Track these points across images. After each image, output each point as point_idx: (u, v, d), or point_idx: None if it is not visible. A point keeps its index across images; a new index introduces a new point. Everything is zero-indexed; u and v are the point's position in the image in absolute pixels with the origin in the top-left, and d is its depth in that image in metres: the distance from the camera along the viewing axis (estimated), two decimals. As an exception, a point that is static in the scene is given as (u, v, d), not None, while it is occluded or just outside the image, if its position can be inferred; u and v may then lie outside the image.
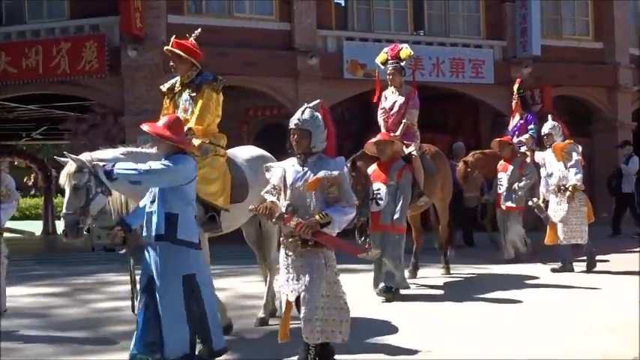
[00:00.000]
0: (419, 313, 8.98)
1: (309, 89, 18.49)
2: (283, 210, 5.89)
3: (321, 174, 5.82)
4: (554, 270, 12.13)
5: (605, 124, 22.89)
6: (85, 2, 17.72)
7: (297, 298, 5.88)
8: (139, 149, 7.55)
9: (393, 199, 9.82)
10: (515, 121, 15.21)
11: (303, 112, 6.06)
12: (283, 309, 6.16)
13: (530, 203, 13.02)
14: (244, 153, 8.50)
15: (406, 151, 10.63)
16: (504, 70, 20.55)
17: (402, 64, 11.08)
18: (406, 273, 11.64)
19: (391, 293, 9.79)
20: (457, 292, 10.51)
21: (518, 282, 11.26)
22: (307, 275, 5.83)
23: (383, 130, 10.97)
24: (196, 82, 8.09)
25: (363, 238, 10.12)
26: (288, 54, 18.67)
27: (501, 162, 14.09)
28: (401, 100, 11.02)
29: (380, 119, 11.27)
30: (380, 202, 9.88)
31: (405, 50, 11.07)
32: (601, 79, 22.54)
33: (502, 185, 13.89)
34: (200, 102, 7.93)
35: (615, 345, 7.07)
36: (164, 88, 8.46)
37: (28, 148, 31.13)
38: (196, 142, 7.71)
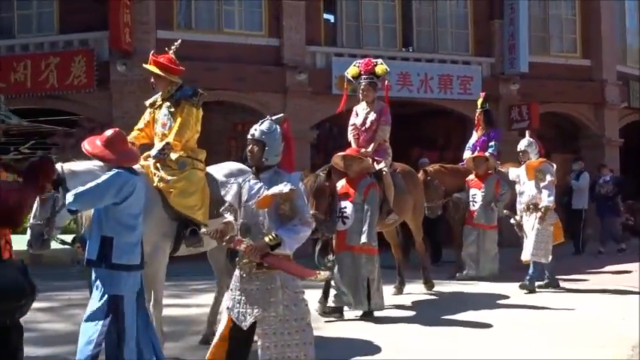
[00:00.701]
0: (399, 332, 8.92)
1: (297, 104, 18.54)
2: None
3: (272, 190, 5.55)
4: (521, 287, 12.00)
5: (592, 141, 22.97)
6: (74, 17, 17.71)
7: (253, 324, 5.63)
8: None
9: (359, 219, 9.59)
10: (476, 136, 15.01)
11: (261, 123, 5.89)
12: (222, 327, 5.85)
13: (512, 221, 12.91)
14: (224, 169, 8.47)
15: (376, 167, 10.50)
16: (492, 87, 20.61)
17: (377, 80, 10.91)
18: (392, 290, 11.67)
19: (336, 313, 9.68)
20: (434, 310, 10.43)
21: (491, 300, 11.25)
22: (262, 300, 5.59)
23: (354, 146, 10.75)
24: (175, 97, 8.07)
25: (325, 259, 9.91)
26: (277, 69, 18.71)
27: (473, 178, 13.99)
28: (373, 116, 10.82)
29: (350, 136, 11.06)
30: (346, 220, 9.65)
31: (381, 66, 10.92)
32: (588, 95, 22.64)
33: (475, 202, 13.78)
34: (179, 118, 7.92)
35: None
36: (147, 102, 8.47)
37: (16, 162, 31.00)
38: (173, 155, 7.74)
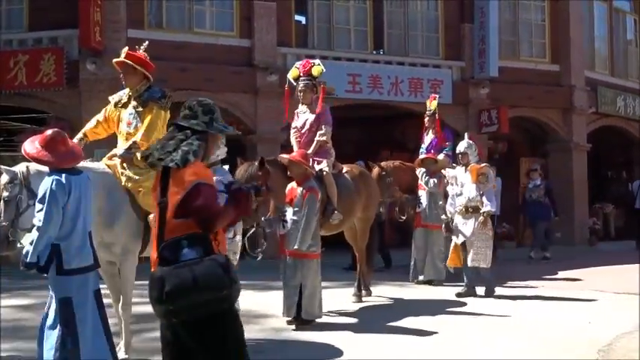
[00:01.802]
0: (337, 340, 8.70)
1: (268, 106, 18.52)
2: None
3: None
4: (459, 294, 11.91)
5: (560, 145, 23.19)
6: (44, 15, 17.54)
7: None
8: (82, 164, 7.56)
9: (297, 224, 9.42)
10: (429, 138, 14.84)
11: None
12: None
13: (442, 217, 12.74)
14: None
15: (317, 167, 10.45)
16: (462, 91, 20.79)
17: (314, 81, 10.81)
18: (351, 297, 11.61)
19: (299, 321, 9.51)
20: (383, 317, 10.26)
21: (446, 305, 11.20)
22: None
23: (296, 149, 10.57)
24: (143, 98, 8.01)
25: (256, 249, 9.77)
26: (248, 70, 18.69)
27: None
28: (312, 117, 10.75)
29: (292, 139, 11.00)
30: (285, 224, 9.53)
31: (317, 67, 10.84)
32: (557, 100, 22.86)
33: (421, 203, 13.80)
34: (147, 118, 7.86)
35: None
36: (112, 100, 8.41)
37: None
38: (140, 154, 7.71)
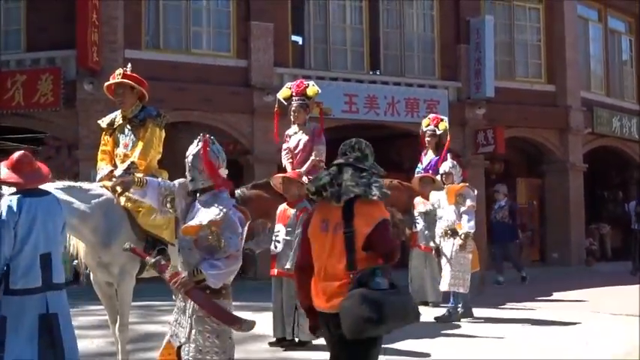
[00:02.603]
0: None
1: (264, 126, 18.46)
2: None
3: (194, 221, 5.27)
4: (438, 319, 11.68)
5: (556, 166, 23.23)
6: (41, 35, 17.60)
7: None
8: (77, 184, 7.62)
9: (289, 244, 9.31)
10: (428, 158, 14.62)
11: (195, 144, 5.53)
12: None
13: (431, 244, 12.67)
14: None
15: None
16: (459, 111, 20.82)
17: (308, 101, 10.71)
18: None
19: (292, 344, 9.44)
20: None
21: (442, 328, 11.04)
22: (189, 326, 5.25)
23: (289, 170, 10.51)
24: (139, 118, 8.05)
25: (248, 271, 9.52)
26: (244, 91, 18.72)
27: (419, 200, 13.67)
28: (305, 137, 10.64)
29: (284, 160, 10.87)
30: (277, 244, 9.43)
31: (312, 88, 10.73)
32: (553, 121, 22.91)
33: (418, 224, 13.62)
34: (144, 137, 7.90)
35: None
36: (103, 123, 8.41)
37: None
38: (138, 175, 7.71)
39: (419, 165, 14.97)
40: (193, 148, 5.46)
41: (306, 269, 5.12)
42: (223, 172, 5.50)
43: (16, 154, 6.23)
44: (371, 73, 20.85)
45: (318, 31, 20.22)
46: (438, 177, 14.04)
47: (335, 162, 5.18)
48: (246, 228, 5.38)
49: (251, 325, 5.26)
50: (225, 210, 5.25)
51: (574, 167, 23.17)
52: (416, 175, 14.07)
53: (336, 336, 4.90)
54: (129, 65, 8.29)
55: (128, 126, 8.05)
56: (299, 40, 20.88)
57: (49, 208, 6.15)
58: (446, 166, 12.11)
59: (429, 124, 14.96)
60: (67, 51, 17.29)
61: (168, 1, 18.63)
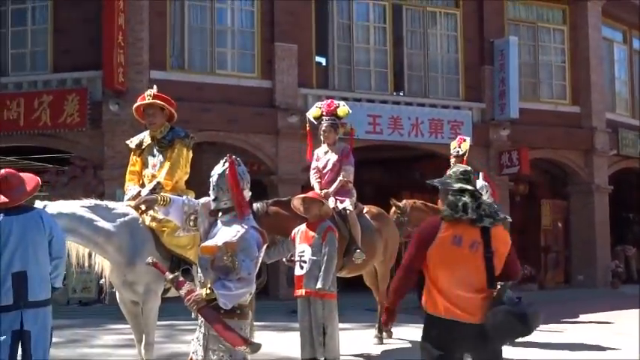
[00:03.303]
0: None
1: (289, 146, 18.61)
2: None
3: (211, 242, 5.30)
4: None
5: (581, 187, 23.09)
6: (68, 56, 17.79)
7: None
8: (103, 203, 7.68)
9: (317, 263, 9.18)
10: None
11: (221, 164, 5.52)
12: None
13: None
14: None
15: (340, 206, 10.35)
16: (483, 132, 20.77)
17: (339, 121, 10.72)
18: (372, 339, 11.52)
19: None
20: None
21: None
22: (204, 344, 5.27)
23: (317, 190, 10.45)
24: (168, 138, 8.09)
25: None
26: (269, 111, 18.79)
27: None
28: (334, 157, 10.64)
29: (313, 179, 10.86)
30: (304, 264, 9.24)
31: (343, 108, 10.75)
32: (578, 142, 22.80)
33: None
34: (171, 157, 7.94)
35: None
36: (132, 144, 8.45)
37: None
38: (163, 194, 7.74)
39: None
40: (219, 168, 5.44)
41: (414, 271, 5.51)
42: (247, 194, 5.49)
43: (1, 173, 6.28)
44: (395, 94, 20.86)
45: (342, 52, 20.28)
46: None
47: (461, 187, 5.58)
48: (263, 250, 5.37)
49: (257, 347, 5.21)
50: (241, 232, 5.25)
51: (599, 189, 23.01)
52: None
53: (464, 341, 5.37)
54: (154, 87, 8.33)
55: (157, 147, 8.10)
56: (323, 61, 20.95)
57: (27, 226, 6.17)
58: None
59: (456, 147, 14.97)
60: (92, 72, 17.45)
61: (193, 23, 18.78)
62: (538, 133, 21.95)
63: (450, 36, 21.65)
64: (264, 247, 5.43)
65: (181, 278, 5.38)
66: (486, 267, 5.32)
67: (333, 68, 20.24)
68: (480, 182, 11.87)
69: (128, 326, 8.13)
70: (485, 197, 11.21)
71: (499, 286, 5.31)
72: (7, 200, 6.13)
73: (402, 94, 21.01)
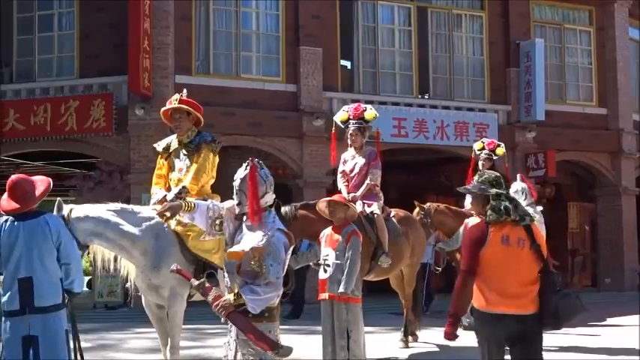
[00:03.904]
0: None
1: (314, 150, 18.63)
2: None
3: (238, 247, 5.32)
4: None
5: (608, 190, 22.90)
6: (94, 62, 17.91)
7: None
8: (129, 207, 7.74)
9: (340, 267, 9.08)
10: None
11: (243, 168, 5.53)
12: None
13: None
14: None
15: (367, 210, 10.29)
16: (509, 135, 20.62)
17: (366, 125, 10.60)
18: (398, 342, 11.49)
19: None
20: None
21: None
22: (234, 348, 5.34)
23: (343, 193, 10.40)
24: (195, 143, 8.11)
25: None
26: (293, 115, 18.81)
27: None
28: (362, 161, 10.54)
29: (340, 183, 10.79)
30: (327, 268, 9.17)
31: (370, 112, 10.62)
32: (604, 144, 22.63)
33: None
34: (197, 162, 7.95)
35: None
36: (159, 147, 8.47)
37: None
38: (188, 199, 7.76)
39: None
40: (241, 172, 5.45)
41: (474, 275, 5.87)
42: (270, 197, 5.50)
43: (12, 179, 6.36)
44: (420, 97, 20.81)
45: (367, 56, 20.25)
46: None
47: (497, 192, 6.03)
48: (290, 252, 5.37)
49: (288, 351, 5.22)
50: (268, 236, 5.25)
51: (627, 191, 22.82)
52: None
53: (516, 333, 5.82)
54: (184, 91, 8.38)
55: (184, 150, 8.12)
56: (348, 64, 20.95)
57: (33, 231, 6.20)
58: (511, 190, 11.27)
59: (482, 148, 14.85)
60: (118, 77, 17.53)
61: (218, 27, 18.83)
62: (564, 135, 21.81)
63: (475, 38, 21.58)
64: (292, 248, 5.44)
65: (207, 284, 5.39)
66: (537, 258, 5.84)
67: (358, 71, 20.22)
68: (519, 184, 11.62)
69: (154, 330, 8.15)
70: (524, 199, 11.26)
71: (550, 275, 5.90)
72: (19, 206, 6.20)
73: (427, 96, 20.97)
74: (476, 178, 6.25)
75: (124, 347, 11.87)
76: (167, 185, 8.22)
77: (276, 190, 5.61)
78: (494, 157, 14.70)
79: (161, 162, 8.37)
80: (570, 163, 22.72)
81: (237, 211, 5.52)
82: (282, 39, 19.26)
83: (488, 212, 5.93)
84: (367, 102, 18.18)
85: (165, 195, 7.95)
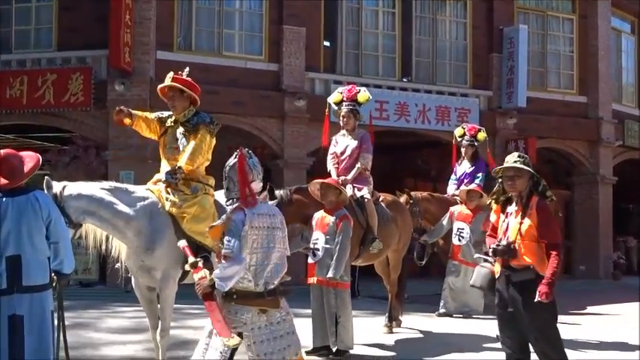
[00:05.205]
0: None
1: (295, 131, 18.46)
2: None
3: (220, 221, 5.58)
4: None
5: (586, 178, 23.00)
6: (72, 34, 17.54)
7: None
8: (123, 186, 7.59)
9: (330, 251, 9.18)
10: (463, 168, 14.60)
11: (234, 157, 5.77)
12: None
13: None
14: None
15: (357, 194, 10.23)
16: (490, 120, 20.55)
17: (359, 107, 10.60)
18: (381, 327, 11.42)
19: (323, 351, 9.36)
20: (417, 350, 10.10)
21: (481, 340, 10.74)
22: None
23: (333, 175, 10.39)
24: (192, 122, 7.96)
25: None
26: (275, 95, 18.60)
27: (461, 210, 13.61)
28: (354, 144, 10.47)
29: (330, 165, 10.70)
30: (317, 252, 9.27)
31: (364, 94, 10.60)
32: (584, 132, 22.69)
33: (463, 237, 13.38)
34: (193, 142, 7.78)
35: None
36: (155, 115, 8.27)
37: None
38: (185, 180, 7.60)
39: (452, 175, 14.83)
40: (231, 161, 5.67)
41: None
42: (257, 185, 5.72)
43: (0, 153, 6.19)
44: (402, 80, 20.64)
45: (351, 37, 20.08)
46: (473, 186, 13.88)
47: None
48: (246, 227, 5.44)
49: (235, 342, 5.34)
50: (227, 214, 5.53)
51: (604, 180, 22.92)
52: (462, 188, 13.92)
53: None
54: (187, 69, 8.21)
55: (181, 129, 7.96)
56: (331, 44, 20.72)
57: (23, 208, 6.02)
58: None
59: (463, 134, 14.78)
60: (98, 51, 17.21)
61: (200, 4, 18.56)
62: (544, 122, 21.83)
63: (459, 23, 21.46)
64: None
65: (200, 265, 5.55)
66: None
67: (340, 52, 20.03)
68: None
69: (133, 309, 8.00)
70: None
71: None
72: (7, 182, 6.02)
73: (409, 80, 20.77)
74: (516, 157, 6.48)
75: (102, 327, 11.62)
76: (149, 127, 8.10)
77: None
78: (476, 144, 14.67)
79: (155, 120, 8.11)
80: (549, 150, 22.75)
81: (225, 197, 5.78)
82: (265, 17, 19.01)
83: (549, 193, 6.42)
84: (349, 84, 18.04)
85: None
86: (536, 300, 6.09)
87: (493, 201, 6.77)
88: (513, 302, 6.31)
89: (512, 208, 6.50)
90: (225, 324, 5.33)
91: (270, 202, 5.86)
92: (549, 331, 6.30)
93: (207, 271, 5.47)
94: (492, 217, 6.96)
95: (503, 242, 6.37)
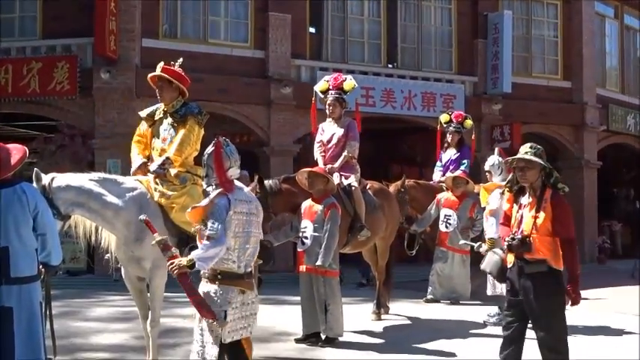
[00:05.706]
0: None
1: (281, 118, 18.47)
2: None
3: (202, 203, 5.73)
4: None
5: (571, 163, 23.05)
6: (58, 23, 17.45)
7: None
8: (111, 177, 7.61)
9: (318, 239, 9.30)
10: (448, 154, 14.66)
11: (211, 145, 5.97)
12: None
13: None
14: None
15: (345, 182, 10.30)
16: (475, 106, 20.62)
17: (345, 95, 10.66)
18: (369, 314, 11.50)
19: (312, 338, 9.49)
20: (405, 337, 10.20)
21: (470, 326, 10.96)
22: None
23: (321, 164, 10.47)
24: (180, 113, 7.98)
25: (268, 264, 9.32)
26: (261, 82, 18.58)
27: (448, 197, 13.60)
28: (340, 132, 10.55)
29: (317, 153, 10.78)
30: (305, 240, 9.39)
31: (350, 82, 10.67)
32: (568, 117, 22.79)
33: (450, 224, 13.39)
34: (181, 132, 7.82)
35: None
36: (143, 113, 8.32)
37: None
38: (173, 171, 7.63)
39: (438, 162, 14.90)
40: (209, 148, 5.87)
41: None
42: (234, 171, 5.86)
43: None
44: (388, 66, 20.68)
45: (336, 23, 20.07)
46: (458, 172, 13.97)
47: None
48: (231, 212, 5.62)
49: (222, 324, 5.59)
50: (210, 197, 5.67)
51: (588, 164, 23.06)
52: (448, 174, 13.96)
53: None
54: (180, 60, 8.24)
55: (169, 120, 7.99)
56: (316, 31, 20.71)
57: (9, 200, 5.95)
58: (487, 163, 11.04)
59: (449, 120, 14.84)
60: (83, 39, 17.17)
61: (186, -10, 18.49)
62: (529, 107, 21.92)
63: (444, 9, 21.49)
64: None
65: (169, 243, 5.75)
66: None
67: (326, 39, 20.03)
68: (495, 158, 10.95)
69: (122, 298, 8.03)
70: (500, 173, 10.72)
71: None
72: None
73: (395, 66, 20.82)
74: (528, 149, 6.65)
75: (91, 315, 11.68)
76: (147, 151, 8.07)
77: (243, 158, 5.99)
78: (463, 130, 14.74)
79: (142, 129, 8.19)
80: (534, 135, 22.72)
81: (204, 184, 5.91)
82: (250, 4, 18.98)
83: (560, 185, 6.53)
84: (335, 70, 18.10)
85: (145, 162, 7.85)
86: (569, 305, 6.34)
87: (507, 189, 6.86)
88: (525, 291, 6.39)
89: (526, 200, 6.54)
90: (207, 304, 5.56)
91: (245, 189, 5.90)
92: (556, 321, 6.40)
93: (176, 250, 5.74)
94: (505, 206, 7.06)
95: (518, 236, 6.41)
